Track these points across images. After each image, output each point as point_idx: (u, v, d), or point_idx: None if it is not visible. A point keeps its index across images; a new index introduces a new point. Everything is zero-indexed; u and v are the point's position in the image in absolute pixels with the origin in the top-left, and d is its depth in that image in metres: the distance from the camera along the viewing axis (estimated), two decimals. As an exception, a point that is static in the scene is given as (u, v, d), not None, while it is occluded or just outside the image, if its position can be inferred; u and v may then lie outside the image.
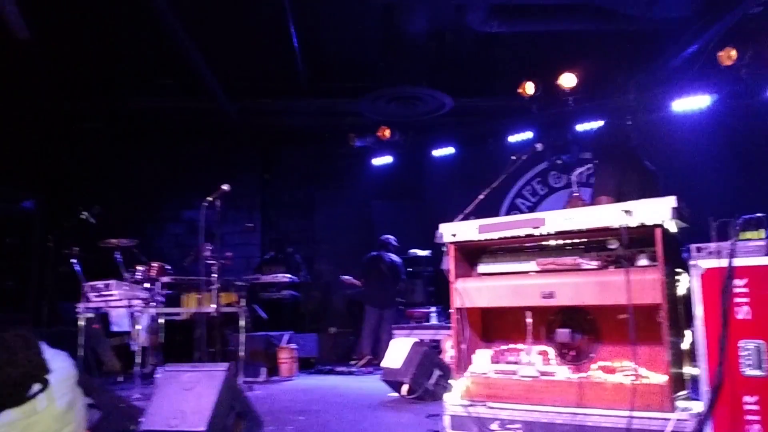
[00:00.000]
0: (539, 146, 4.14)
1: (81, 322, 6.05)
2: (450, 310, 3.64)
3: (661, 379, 2.97)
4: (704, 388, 2.77)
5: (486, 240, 3.52)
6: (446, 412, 3.42)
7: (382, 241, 8.48)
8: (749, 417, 2.65)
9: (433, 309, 8.10)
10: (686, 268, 2.96)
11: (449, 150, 9.47)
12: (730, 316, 2.74)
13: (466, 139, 9.38)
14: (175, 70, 8.08)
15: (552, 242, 3.49)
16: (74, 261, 6.36)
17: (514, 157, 4.06)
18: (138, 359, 5.76)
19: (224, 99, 8.56)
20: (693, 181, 6.58)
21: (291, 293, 9.07)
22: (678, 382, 2.98)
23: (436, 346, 6.82)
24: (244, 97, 8.88)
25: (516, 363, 3.42)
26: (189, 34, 6.81)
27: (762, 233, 2.75)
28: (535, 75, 7.51)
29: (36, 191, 8.72)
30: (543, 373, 3.28)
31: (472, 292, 3.57)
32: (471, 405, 3.32)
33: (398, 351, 5.40)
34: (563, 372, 3.27)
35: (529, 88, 7.48)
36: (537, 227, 3.31)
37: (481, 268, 3.76)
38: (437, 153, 9.58)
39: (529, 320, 3.45)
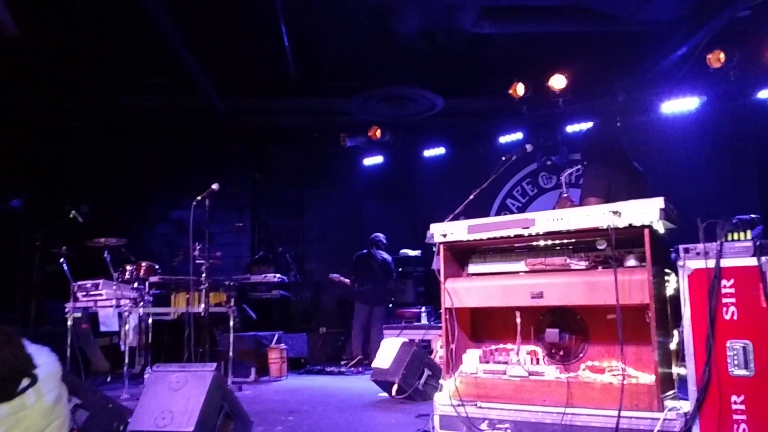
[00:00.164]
0: (529, 147, 4.15)
1: (69, 322, 6.00)
2: (440, 310, 3.64)
3: (649, 378, 2.99)
4: (692, 387, 2.79)
5: (476, 240, 3.53)
6: (436, 412, 3.43)
7: (372, 239, 8.49)
8: (736, 416, 2.67)
9: (424, 309, 8.11)
10: (674, 269, 2.98)
11: (440, 150, 9.48)
12: (717, 316, 2.76)
13: (456, 140, 9.39)
14: (165, 68, 8.02)
15: (541, 243, 3.51)
16: (62, 260, 6.32)
17: (504, 158, 4.07)
18: (126, 359, 5.73)
19: (215, 97, 8.52)
20: (681, 183, 6.63)
21: (281, 293, 9.06)
22: (666, 382, 3.00)
23: (426, 346, 6.83)
24: (235, 96, 8.84)
25: (505, 363, 3.43)
26: (179, 32, 6.77)
27: (749, 234, 2.78)
28: (525, 76, 7.53)
29: (23, 189, 8.65)
30: (532, 373, 3.30)
31: (461, 292, 3.57)
32: (460, 405, 3.33)
33: (388, 351, 5.40)
34: (552, 372, 3.28)
35: (520, 89, 7.50)
36: (527, 228, 3.32)
37: (471, 268, 3.78)
38: (428, 153, 9.59)
39: (518, 320, 3.46)
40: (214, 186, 5.29)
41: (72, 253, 6.43)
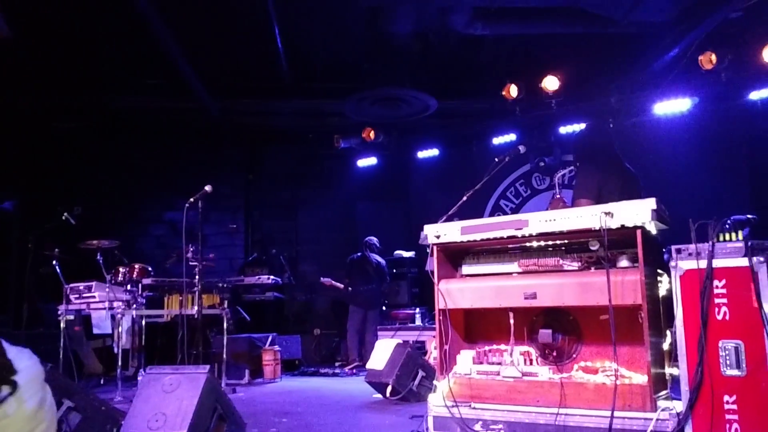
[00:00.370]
0: (522, 148, 4.16)
1: (62, 325, 5.97)
2: (434, 312, 3.65)
3: (642, 379, 3.01)
4: (684, 387, 2.80)
5: (469, 241, 3.54)
6: (430, 413, 3.44)
7: (366, 242, 8.48)
8: (729, 416, 2.68)
9: (418, 310, 8.12)
10: (667, 270, 2.99)
11: (433, 152, 9.50)
12: (709, 316, 2.78)
13: (450, 141, 9.41)
14: (158, 70, 7.99)
15: (534, 244, 3.52)
16: (55, 262, 6.29)
17: (497, 159, 4.08)
18: (119, 362, 5.70)
19: (208, 99, 8.49)
20: (673, 183, 6.67)
21: (275, 295, 9.04)
22: (659, 382, 3.01)
23: (420, 348, 6.82)
24: (228, 97, 8.82)
25: (499, 364, 3.44)
26: (172, 33, 6.75)
27: (740, 235, 2.79)
28: (518, 77, 7.56)
29: (15, 191, 8.59)
30: (525, 374, 3.31)
31: (455, 293, 3.58)
32: (454, 406, 3.33)
33: (382, 352, 5.40)
34: (545, 372, 3.29)
35: (513, 90, 7.52)
36: (520, 229, 3.33)
37: (465, 269, 3.78)
38: (422, 155, 9.61)
39: (511, 321, 3.47)
40: (207, 188, 5.27)
41: (65, 255, 6.39)
